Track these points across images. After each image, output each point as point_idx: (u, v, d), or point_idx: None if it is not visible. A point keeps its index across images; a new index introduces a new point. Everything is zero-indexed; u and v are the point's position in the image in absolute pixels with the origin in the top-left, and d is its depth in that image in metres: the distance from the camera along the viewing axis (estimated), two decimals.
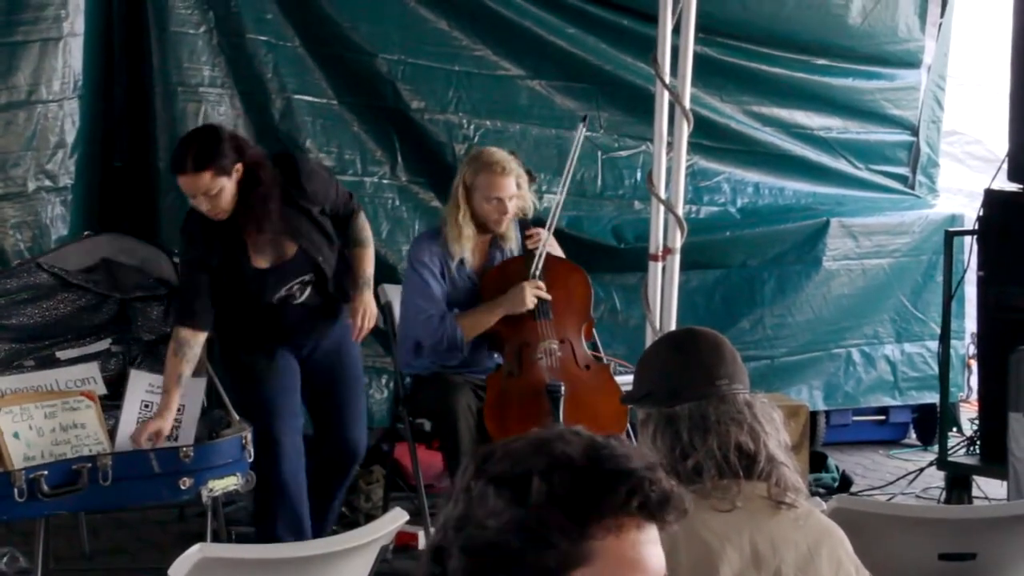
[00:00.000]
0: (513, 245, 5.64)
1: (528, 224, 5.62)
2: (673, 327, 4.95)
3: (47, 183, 6.09)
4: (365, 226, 5.27)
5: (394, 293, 5.88)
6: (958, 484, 6.26)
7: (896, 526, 3.55)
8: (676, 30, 5.01)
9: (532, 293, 5.47)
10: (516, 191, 5.48)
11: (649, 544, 1.74)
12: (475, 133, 6.75)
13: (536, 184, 6.04)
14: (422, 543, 5.67)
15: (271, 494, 5.07)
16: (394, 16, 6.62)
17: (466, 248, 5.53)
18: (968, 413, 7.32)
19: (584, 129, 5.77)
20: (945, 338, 6.44)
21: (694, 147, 6.50)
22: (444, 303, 5.52)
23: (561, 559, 1.70)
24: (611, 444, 1.76)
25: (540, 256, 5.53)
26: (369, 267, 5.23)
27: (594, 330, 5.79)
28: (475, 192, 5.47)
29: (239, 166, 4.85)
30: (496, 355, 5.62)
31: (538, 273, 5.52)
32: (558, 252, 5.77)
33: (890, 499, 6.46)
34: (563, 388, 5.12)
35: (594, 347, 5.76)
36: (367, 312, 5.16)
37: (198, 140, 4.91)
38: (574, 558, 1.70)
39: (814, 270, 7.22)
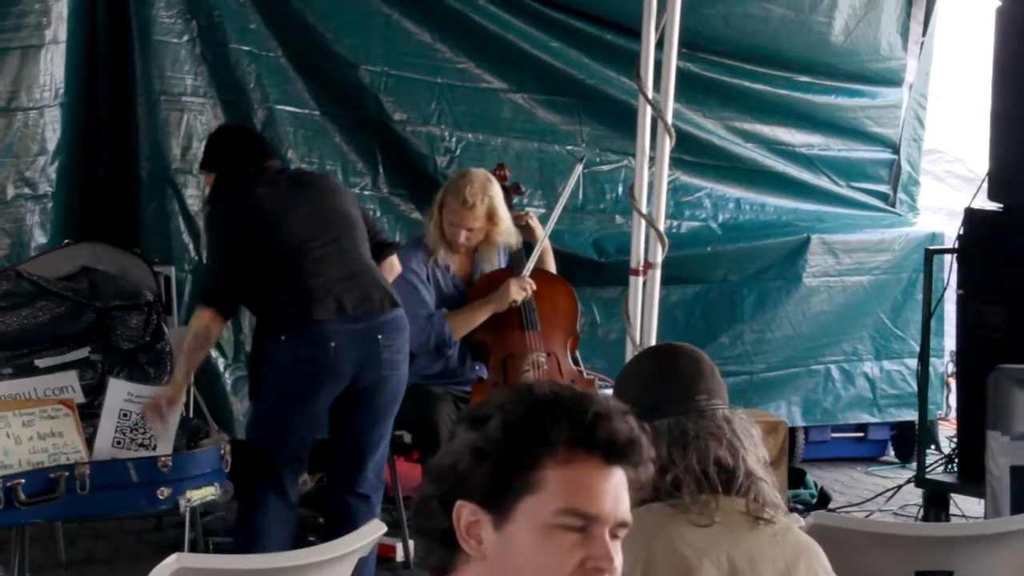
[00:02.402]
0: (495, 263, 5.66)
1: (517, 254, 5.65)
2: (653, 341, 4.95)
3: (27, 191, 6.08)
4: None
5: None
6: (936, 502, 6.27)
7: (873, 543, 3.55)
8: (659, 45, 5.03)
9: (517, 288, 5.48)
10: (480, 224, 5.51)
11: (602, 482, 1.81)
12: (457, 146, 6.75)
13: (521, 197, 6.05)
14: (400, 555, 5.66)
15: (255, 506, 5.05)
16: (377, 28, 6.62)
17: (441, 253, 5.57)
18: (946, 431, 7.33)
19: (580, 169, 5.81)
20: (924, 356, 6.45)
21: (676, 162, 6.50)
22: (433, 306, 5.55)
23: (508, 484, 1.80)
24: (582, 390, 1.86)
25: (533, 258, 5.56)
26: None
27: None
28: (444, 210, 5.52)
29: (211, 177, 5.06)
30: (478, 366, 5.62)
31: (527, 274, 5.55)
32: (551, 268, 5.81)
33: (868, 516, 6.47)
34: None
35: (574, 362, 5.76)
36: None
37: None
38: (522, 485, 1.80)
39: (794, 286, 7.23)
